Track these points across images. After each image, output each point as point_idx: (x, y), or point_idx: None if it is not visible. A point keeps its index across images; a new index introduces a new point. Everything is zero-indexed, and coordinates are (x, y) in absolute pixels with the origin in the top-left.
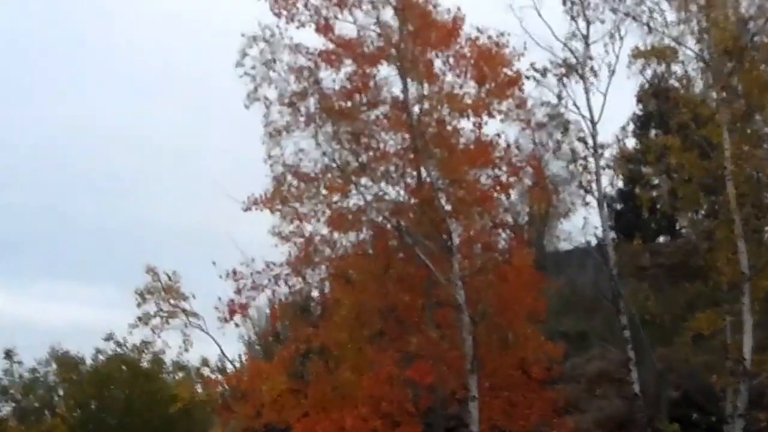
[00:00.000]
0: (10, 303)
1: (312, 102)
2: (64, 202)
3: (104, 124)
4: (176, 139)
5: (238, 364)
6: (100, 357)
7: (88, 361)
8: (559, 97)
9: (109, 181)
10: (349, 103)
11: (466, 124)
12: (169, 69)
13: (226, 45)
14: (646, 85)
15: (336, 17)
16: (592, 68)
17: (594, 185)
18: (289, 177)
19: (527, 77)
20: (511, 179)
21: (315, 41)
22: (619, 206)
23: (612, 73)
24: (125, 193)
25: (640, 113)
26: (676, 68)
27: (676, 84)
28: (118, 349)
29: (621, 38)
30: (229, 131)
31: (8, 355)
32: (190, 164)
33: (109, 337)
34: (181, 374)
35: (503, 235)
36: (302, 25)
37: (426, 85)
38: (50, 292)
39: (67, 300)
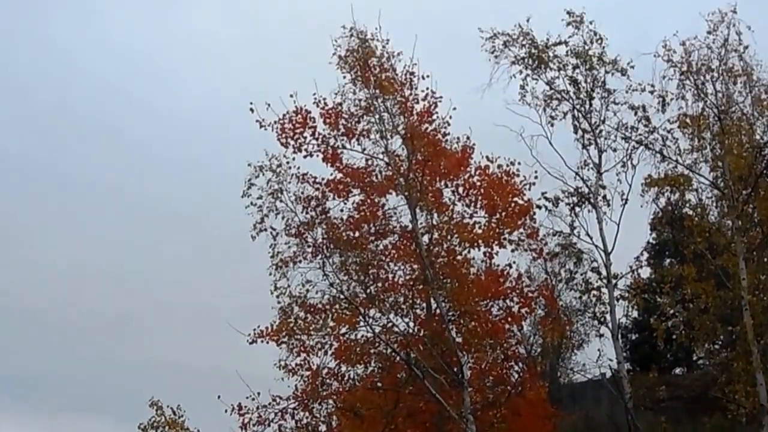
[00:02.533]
0: None
1: (319, 232)
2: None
3: (107, 260)
4: (179, 272)
5: None
6: None
7: None
8: (572, 226)
9: (108, 318)
10: (357, 233)
11: (476, 254)
12: (177, 202)
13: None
14: (660, 214)
15: (344, 146)
16: (604, 197)
17: (608, 316)
18: (296, 308)
19: (539, 206)
20: (523, 310)
21: (323, 170)
22: (634, 336)
23: (625, 201)
24: (127, 329)
25: (654, 242)
26: (691, 196)
27: (691, 212)
28: None
29: (634, 166)
30: (233, 262)
31: None
32: (193, 298)
33: None
34: None
35: (516, 367)
36: (310, 154)
37: (435, 215)
38: (50, 425)
39: None
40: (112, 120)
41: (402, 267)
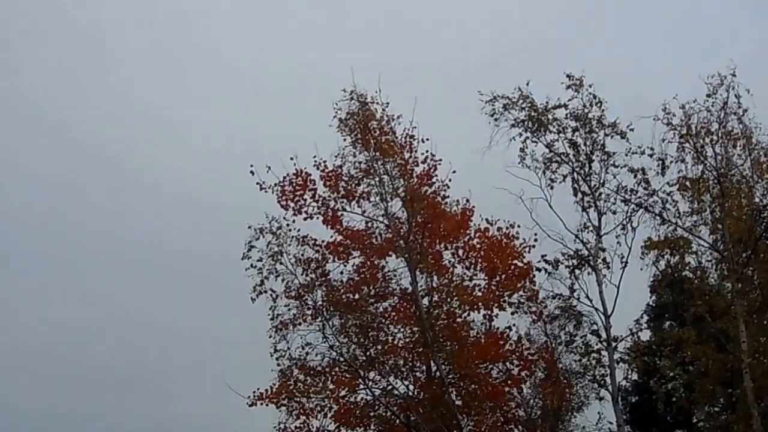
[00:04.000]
0: None
1: (319, 294)
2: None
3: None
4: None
5: None
6: None
7: None
8: (571, 289)
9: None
10: (357, 296)
11: (476, 317)
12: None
13: (233, 236)
14: (660, 276)
15: (344, 209)
16: (604, 260)
17: (608, 379)
18: (296, 371)
19: (538, 269)
20: (523, 373)
21: (323, 233)
22: (634, 399)
23: (625, 264)
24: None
25: (653, 304)
26: (690, 259)
27: (691, 275)
28: None
29: (633, 229)
30: (232, 322)
31: None
32: (191, 355)
33: None
34: None
35: (516, 430)
36: (310, 216)
37: (435, 277)
38: None
39: None
40: None
41: (402, 330)
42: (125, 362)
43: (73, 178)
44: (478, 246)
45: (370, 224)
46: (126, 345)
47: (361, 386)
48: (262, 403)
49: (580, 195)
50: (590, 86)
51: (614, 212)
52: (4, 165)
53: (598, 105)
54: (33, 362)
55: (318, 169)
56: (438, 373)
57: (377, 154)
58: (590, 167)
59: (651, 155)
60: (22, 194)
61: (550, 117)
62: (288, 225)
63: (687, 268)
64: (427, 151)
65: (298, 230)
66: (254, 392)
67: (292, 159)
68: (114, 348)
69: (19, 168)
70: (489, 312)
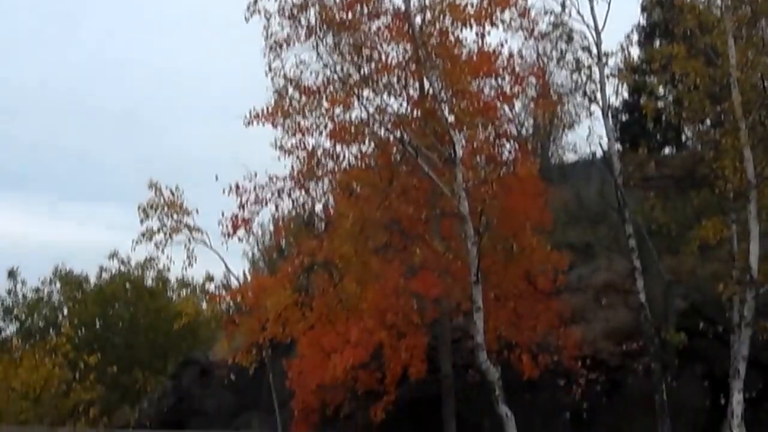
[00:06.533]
0: (15, 222)
1: (313, 13)
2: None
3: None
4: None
5: (242, 281)
6: (104, 276)
7: (92, 280)
8: (563, 5)
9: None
10: (351, 14)
11: (468, 34)
12: None
13: None
14: None
15: None
16: None
17: (598, 95)
18: (291, 90)
19: None
20: (515, 89)
21: None
22: (624, 117)
23: None
24: (133, 123)
25: (644, 24)
26: None
27: None
28: (122, 268)
29: None
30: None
31: (12, 274)
32: (191, 87)
33: (112, 256)
34: (185, 292)
35: (507, 146)
36: None
37: None
38: (54, 211)
39: (70, 219)
40: None
41: (395, 48)
42: (123, 101)
43: None
44: None
45: None
46: (123, 86)
47: (356, 104)
48: (258, 123)
49: None
50: None
51: None
52: None
53: None
54: (32, 98)
55: None
56: (431, 90)
57: None
58: None
59: None
60: None
61: None
62: None
63: None
64: None
65: None
66: (250, 112)
67: None
68: (111, 88)
69: None
70: (481, 29)
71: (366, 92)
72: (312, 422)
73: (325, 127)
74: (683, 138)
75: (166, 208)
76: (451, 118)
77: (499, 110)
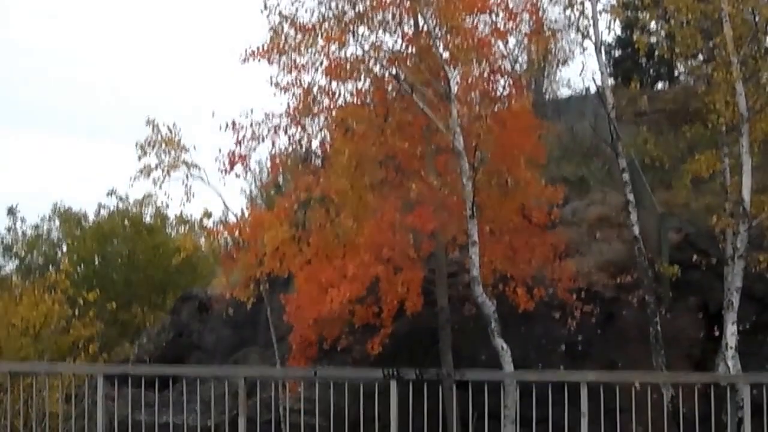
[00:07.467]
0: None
1: None
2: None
3: None
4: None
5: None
6: (103, 212)
7: (91, 217)
8: None
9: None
10: None
11: None
12: None
13: None
14: None
15: None
16: None
17: (591, 30)
18: (286, 27)
19: None
20: (509, 26)
21: None
22: (617, 53)
23: None
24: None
25: None
26: None
27: None
28: (121, 204)
29: None
30: None
31: (11, 212)
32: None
33: (111, 193)
34: (183, 228)
35: (501, 82)
36: None
37: None
38: (51, 147)
39: (69, 155)
40: None
41: None
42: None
43: None
44: None
45: None
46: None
47: (351, 41)
48: (254, 59)
49: None
50: None
51: None
52: None
53: None
54: None
55: None
56: (425, 27)
57: None
58: None
59: None
60: None
61: None
62: None
63: None
64: None
65: None
66: (246, 49)
67: None
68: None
69: None
70: None
71: (361, 29)
72: (310, 356)
73: (321, 64)
74: (675, 73)
75: (163, 145)
76: (445, 55)
77: (494, 46)
